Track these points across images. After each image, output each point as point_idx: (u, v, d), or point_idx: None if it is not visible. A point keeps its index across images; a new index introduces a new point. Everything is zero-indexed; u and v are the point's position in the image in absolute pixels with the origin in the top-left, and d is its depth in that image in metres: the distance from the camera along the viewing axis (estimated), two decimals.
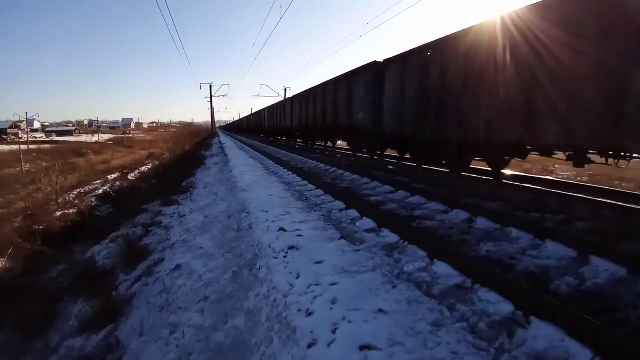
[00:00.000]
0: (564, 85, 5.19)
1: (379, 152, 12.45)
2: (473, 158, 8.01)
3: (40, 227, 10.10)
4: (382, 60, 10.68)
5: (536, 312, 2.30)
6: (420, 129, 8.68)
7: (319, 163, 11.77)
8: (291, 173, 9.59)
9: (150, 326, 3.81)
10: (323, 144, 19.11)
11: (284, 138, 27.99)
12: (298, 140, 23.84)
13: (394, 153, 11.61)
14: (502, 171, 7.42)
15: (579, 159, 5.67)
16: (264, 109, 35.33)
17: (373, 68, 11.08)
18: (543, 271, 3.13)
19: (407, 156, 10.77)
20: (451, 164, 8.35)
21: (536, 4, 5.61)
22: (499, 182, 7.15)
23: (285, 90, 48.00)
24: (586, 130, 4.99)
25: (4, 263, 7.83)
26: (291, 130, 22.63)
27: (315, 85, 17.11)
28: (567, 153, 5.90)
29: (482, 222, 4.50)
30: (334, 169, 10.20)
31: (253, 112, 52.40)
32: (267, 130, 33.05)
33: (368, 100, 11.30)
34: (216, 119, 72.60)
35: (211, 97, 54.71)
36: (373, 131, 11.02)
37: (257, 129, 41.49)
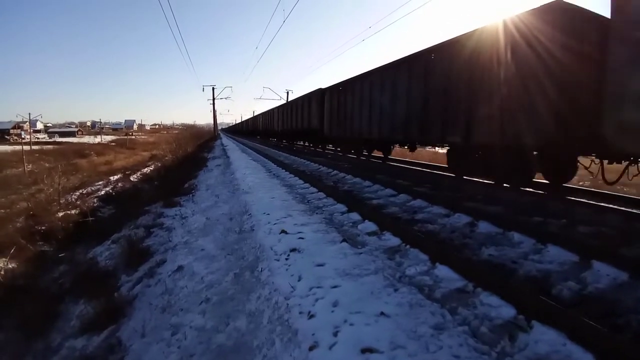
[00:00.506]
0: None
1: (320, 145, 20.78)
2: (370, 148, 13.80)
3: (43, 228, 10.13)
4: (324, 88, 16.92)
5: (538, 316, 2.30)
6: (339, 131, 14.65)
7: (320, 166, 11.79)
8: (293, 175, 9.60)
9: (152, 327, 3.81)
10: (301, 143, 25.46)
11: (274, 139, 34.20)
12: (283, 141, 29.73)
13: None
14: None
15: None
16: (259, 115, 43.42)
17: (319, 92, 17.41)
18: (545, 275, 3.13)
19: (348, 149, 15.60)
20: (357, 152, 14.43)
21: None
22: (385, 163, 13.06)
23: (288, 92, 48.06)
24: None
25: (6, 263, 7.85)
26: (277, 132, 29.53)
27: (292, 99, 25.35)
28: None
29: (484, 226, 4.50)
30: (335, 171, 10.22)
31: (254, 114, 53.15)
32: (262, 131, 39.40)
33: (316, 112, 17.56)
34: (218, 121, 72.71)
35: (213, 99, 54.81)
36: (319, 132, 17.23)
37: (256, 132, 46.34)
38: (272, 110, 32.18)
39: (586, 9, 5.64)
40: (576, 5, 5.53)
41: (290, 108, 23.57)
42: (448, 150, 8.69)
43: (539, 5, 5.75)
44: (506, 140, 6.31)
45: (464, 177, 8.04)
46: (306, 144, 24.00)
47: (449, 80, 7.71)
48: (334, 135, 15.46)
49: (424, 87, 8.62)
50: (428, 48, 8.64)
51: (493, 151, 6.87)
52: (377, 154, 13.91)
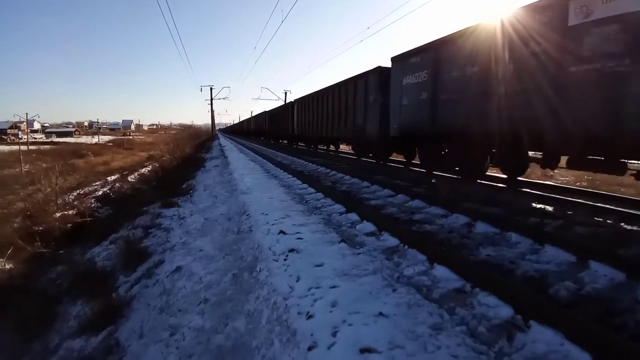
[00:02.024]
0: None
1: (293, 143, 26.21)
2: (322, 143, 20.33)
3: (40, 228, 10.08)
4: (294, 100, 22.78)
5: (535, 316, 2.31)
6: (303, 131, 20.25)
7: (318, 166, 11.80)
8: (291, 176, 9.60)
9: (150, 328, 3.81)
10: (285, 141, 29.47)
11: (263, 138, 40.24)
12: (271, 140, 34.67)
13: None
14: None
15: None
16: (252, 117, 51.34)
17: (290, 104, 24.02)
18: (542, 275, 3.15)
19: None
20: (315, 146, 21.18)
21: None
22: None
23: (286, 93, 48.09)
24: None
25: (3, 264, 7.82)
26: (265, 133, 36.32)
27: (274, 107, 33.22)
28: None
29: (481, 227, 4.52)
30: (333, 172, 10.22)
31: (252, 114, 53.82)
32: (254, 132, 46.44)
33: (289, 118, 23.47)
34: (216, 122, 72.65)
35: (211, 99, 54.76)
36: (292, 132, 23.05)
37: (250, 132, 51.54)
38: (261, 114, 40.36)
39: None
40: None
41: (273, 113, 31.53)
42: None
43: None
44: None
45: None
46: (284, 141, 29.65)
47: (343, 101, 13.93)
48: (300, 135, 21.65)
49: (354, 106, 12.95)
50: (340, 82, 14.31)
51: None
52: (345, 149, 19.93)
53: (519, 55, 5.96)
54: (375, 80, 11.35)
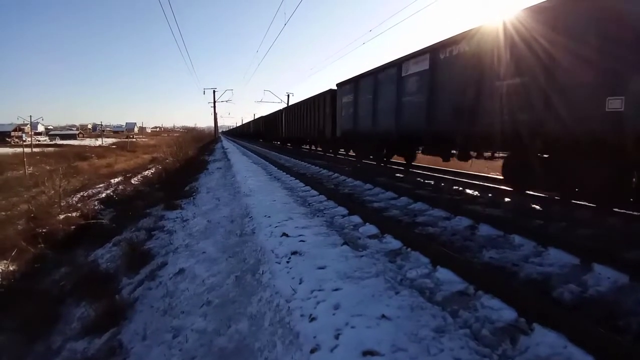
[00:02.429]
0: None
1: (283, 143, 30.21)
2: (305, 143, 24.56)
3: (44, 230, 10.12)
4: (283, 108, 28.55)
5: (539, 319, 2.31)
6: (290, 133, 24.53)
7: (321, 169, 11.81)
8: (294, 178, 9.62)
9: (153, 330, 3.82)
10: (278, 142, 33.08)
11: (261, 140, 43.62)
12: (264, 140, 40.41)
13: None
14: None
15: None
16: (251, 121, 56.93)
17: (279, 111, 29.22)
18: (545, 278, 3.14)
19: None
20: (299, 145, 25.69)
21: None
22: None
23: (288, 95, 48.18)
24: None
25: (7, 265, 7.85)
26: (263, 135, 41.35)
27: (269, 113, 37.82)
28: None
29: (484, 229, 4.51)
30: (336, 174, 10.23)
31: (255, 117, 54.75)
32: (253, 134, 50.92)
33: (279, 123, 28.59)
34: (219, 124, 72.84)
35: (214, 102, 54.95)
36: (282, 134, 27.41)
37: (250, 134, 54.55)
38: (259, 119, 46.92)
39: None
40: None
41: (268, 119, 36.90)
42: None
43: None
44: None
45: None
46: (278, 143, 32.96)
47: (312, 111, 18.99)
48: (287, 137, 26.35)
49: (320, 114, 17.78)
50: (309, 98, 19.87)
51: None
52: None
53: (384, 91, 10.75)
54: (328, 99, 16.46)
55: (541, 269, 3.33)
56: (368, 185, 8.05)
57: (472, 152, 8.07)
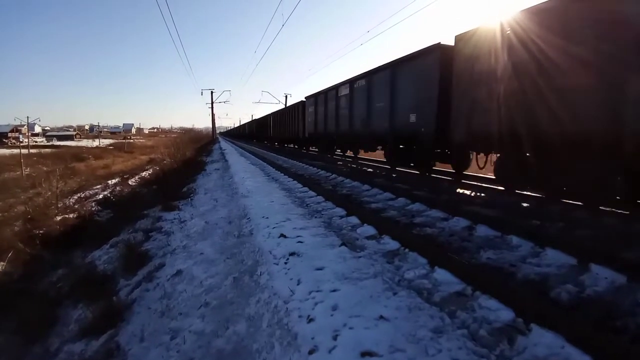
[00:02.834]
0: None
1: (269, 142, 35.54)
2: (288, 142, 28.42)
3: (40, 231, 10.07)
4: (270, 112, 33.36)
5: (536, 319, 2.31)
6: (277, 134, 29.76)
7: (319, 170, 11.81)
8: (292, 179, 9.62)
9: (151, 331, 3.80)
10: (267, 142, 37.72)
11: (255, 140, 47.69)
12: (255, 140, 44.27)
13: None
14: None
15: None
16: (245, 123, 62.82)
17: (269, 115, 33.94)
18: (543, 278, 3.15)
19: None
20: (283, 144, 29.81)
21: None
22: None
23: (286, 96, 48.17)
24: None
25: (3, 266, 7.81)
26: (255, 136, 46.75)
27: (260, 116, 43.71)
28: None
29: (482, 230, 4.52)
30: (334, 175, 10.24)
31: (252, 118, 55.76)
32: (248, 135, 56.33)
33: (268, 125, 33.28)
34: (217, 125, 72.82)
35: (212, 103, 54.85)
36: (270, 134, 32.33)
37: (246, 135, 59.09)
38: (252, 121, 53.53)
39: None
40: None
41: (260, 121, 42.37)
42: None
43: None
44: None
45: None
46: (267, 142, 37.49)
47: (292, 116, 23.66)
48: (276, 137, 30.17)
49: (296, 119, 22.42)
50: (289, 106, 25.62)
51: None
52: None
53: (330, 105, 15.22)
54: (300, 108, 21.15)
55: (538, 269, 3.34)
56: (366, 186, 8.05)
57: (377, 147, 12.41)
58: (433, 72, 8.29)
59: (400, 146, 10.63)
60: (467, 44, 7.15)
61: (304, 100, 19.80)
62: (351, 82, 12.98)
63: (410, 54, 9.30)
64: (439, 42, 8.24)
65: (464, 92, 7.29)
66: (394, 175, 10.39)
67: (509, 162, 6.64)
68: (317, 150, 19.63)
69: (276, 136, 30.40)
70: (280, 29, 19.85)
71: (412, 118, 9.16)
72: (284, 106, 39.01)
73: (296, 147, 26.65)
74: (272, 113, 31.94)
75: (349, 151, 16.16)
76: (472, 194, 7.05)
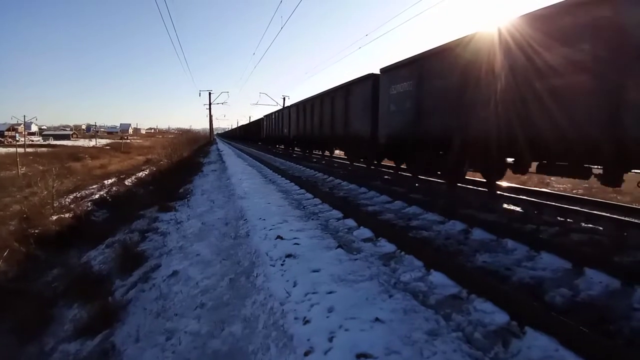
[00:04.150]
0: None
1: (263, 144, 37.62)
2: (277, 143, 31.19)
3: (36, 231, 10.04)
4: (263, 116, 34.85)
5: (531, 322, 2.33)
6: (269, 135, 31.35)
7: (316, 172, 11.83)
8: (289, 181, 9.63)
9: (146, 332, 3.80)
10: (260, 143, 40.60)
11: (251, 141, 48.65)
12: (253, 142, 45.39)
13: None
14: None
15: None
16: (243, 125, 64.42)
17: (262, 118, 36.08)
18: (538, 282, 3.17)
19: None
20: (274, 145, 32.71)
21: None
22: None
23: (284, 98, 48.18)
24: None
25: None
26: (250, 138, 47.97)
27: (254, 119, 46.56)
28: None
29: (478, 233, 4.54)
30: (331, 178, 10.25)
31: (250, 120, 56.31)
32: (245, 136, 58.05)
33: (261, 127, 36.41)
34: (214, 126, 72.75)
35: (210, 104, 54.81)
36: (262, 135, 35.49)
37: (242, 137, 60.31)
38: (246, 124, 57.53)
39: None
40: None
41: (255, 123, 44.25)
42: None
43: None
44: None
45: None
46: (260, 143, 39.91)
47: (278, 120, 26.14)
48: (268, 138, 32.27)
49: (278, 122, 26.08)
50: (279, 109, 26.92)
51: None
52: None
53: (292, 117, 20.38)
54: (286, 112, 23.08)
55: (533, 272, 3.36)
56: (363, 189, 8.07)
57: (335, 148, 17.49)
58: (368, 93, 10.80)
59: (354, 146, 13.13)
60: (386, 75, 9.54)
61: (288, 105, 23.67)
62: (321, 96, 15.29)
63: (356, 78, 11.98)
64: (372, 72, 10.59)
65: (384, 107, 9.64)
66: (349, 168, 13.78)
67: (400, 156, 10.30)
68: (299, 150, 23.05)
69: (267, 137, 34.00)
70: (279, 31, 19.91)
71: (357, 125, 11.74)
72: (281, 108, 40.14)
73: (281, 147, 30.22)
74: (264, 116, 34.67)
75: (327, 152, 19.01)
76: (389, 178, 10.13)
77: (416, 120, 8.03)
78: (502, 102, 5.63)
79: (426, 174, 8.77)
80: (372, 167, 12.33)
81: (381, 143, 9.84)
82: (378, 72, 10.08)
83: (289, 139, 22.24)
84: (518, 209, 6.07)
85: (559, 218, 5.42)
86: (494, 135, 5.79)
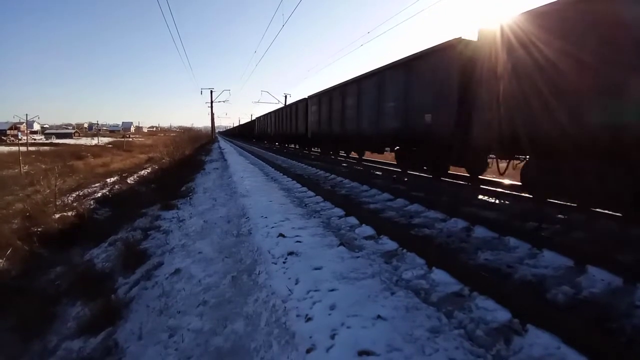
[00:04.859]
0: None
1: (259, 140, 42.97)
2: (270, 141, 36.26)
3: (39, 229, 10.07)
4: (256, 118, 45.17)
5: (533, 320, 2.33)
6: (263, 133, 37.27)
7: (318, 170, 11.83)
8: (291, 179, 9.63)
9: (149, 330, 3.81)
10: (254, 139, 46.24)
11: (254, 139, 50.50)
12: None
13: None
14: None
15: None
16: (245, 123, 67.89)
17: (255, 120, 45.80)
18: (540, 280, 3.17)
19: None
20: (272, 142, 35.09)
21: None
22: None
23: (286, 96, 48.19)
24: None
25: (2, 264, 7.81)
26: (254, 135, 48.00)
27: (254, 118, 50.31)
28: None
29: (480, 231, 4.54)
30: (333, 175, 10.25)
31: (252, 118, 57.85)
32: (244, 134, 63.21)
33: (258, 126, 41.89)
34: (216, 124, 72.78)
35: (211, 102, 54.82)
36: (255, 134, 43.78)
37: (243, 135, 64.17)
38: (245, 124, 63.21)
39: None
40: None
41: (252, 121, 50.02)
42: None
43: None
44: None
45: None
46: (254, 140, 45.35)
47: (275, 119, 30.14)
48: (258, 135, 37.70)
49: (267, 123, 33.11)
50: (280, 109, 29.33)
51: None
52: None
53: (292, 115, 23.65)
54: (272, 115, 29.74)
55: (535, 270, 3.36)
56: (365, 187, 8.07)
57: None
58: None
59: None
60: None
61: (280, 107, 29.11)
62: (291, 105, 20.63)
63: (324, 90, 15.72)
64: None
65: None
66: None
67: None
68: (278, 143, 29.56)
69: (259, 135, 39.82)
70: (280, 29, 19.91)
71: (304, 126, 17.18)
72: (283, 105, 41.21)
73: (266, 142, 36.42)
74: (258, 118, 40.49)
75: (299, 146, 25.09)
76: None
77: None
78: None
79: None
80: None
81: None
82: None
83: (273, 136, 27.05)
84: None
85: None
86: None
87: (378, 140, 11.48)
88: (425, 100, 8.53)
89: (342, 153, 17.85)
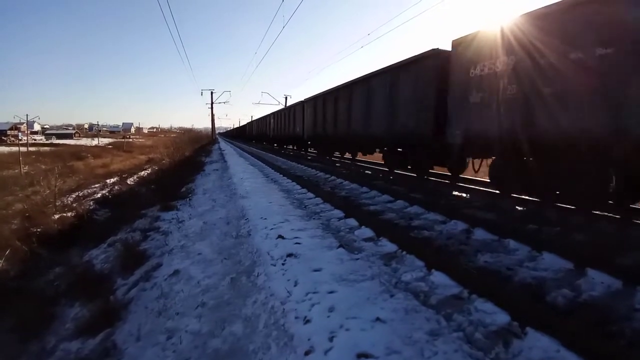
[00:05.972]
0: None
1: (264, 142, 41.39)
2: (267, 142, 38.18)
3: (38, 230, 10.06)
4: (253, 120, 52.56)
5: (532, 323, 2.32)
6: (260, 134, 41.40)
7: (318, 172, 11.82)
8: (290, 181, 9.63)
9: (148, 331, 3.80)
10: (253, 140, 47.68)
11: (254, 141, 51.60)
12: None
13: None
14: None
15: None
16: (246, 124, 66.11)
17: (253, 121, 50.72)
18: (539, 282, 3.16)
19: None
20: (271, 143, 35.44)
21: None
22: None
23: (286, 98, 48.26)
24: None
25: (1, 265, 7.80)
26: (252, 136, 50.28)
27: (254, 119, 51.78)
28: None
29: (479, 233, 4.53)
30: (332, 177, 10.24)
31: (252, 119, 57.50)
32: (246, 136, 62.57)
33: (258, 127, 44.19)
34: (216, 126, 72.85)
35: (212, 103, 54.88)
36: (252, 135, 48.04)
37: (244, 136, 65.42)
38: (243, 126, 67.16)
39: None
40: None
41: (249, 123, 53.17)
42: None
43: None
44: None
45: None
46: (253, 140, 46.96)
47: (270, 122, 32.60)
48: (255, 136, 41.28)
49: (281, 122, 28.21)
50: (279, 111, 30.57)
51: None
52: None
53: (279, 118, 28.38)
54: (269, 118, 31.22)
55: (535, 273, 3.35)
56: (365, 189, 8.06)
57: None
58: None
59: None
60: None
61: (276, 110, 30.76)
62: (289, 107, 21.99)
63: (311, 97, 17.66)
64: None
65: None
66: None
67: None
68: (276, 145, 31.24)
69: (256, 135, 42.77)
70: (280, 31, 19.96)
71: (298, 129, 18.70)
72: (283, 107, 41.62)
73: (265, 143, 37.74)
74: (254, 120, 43.85)
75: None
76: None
77: None
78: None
79: None
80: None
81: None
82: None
83: (270, 137, 28.65)
84: None
85: None
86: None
87: (368, 142, 12.26)
88: (408, 105, 9.26)
89: (336, 154, 18.35)
